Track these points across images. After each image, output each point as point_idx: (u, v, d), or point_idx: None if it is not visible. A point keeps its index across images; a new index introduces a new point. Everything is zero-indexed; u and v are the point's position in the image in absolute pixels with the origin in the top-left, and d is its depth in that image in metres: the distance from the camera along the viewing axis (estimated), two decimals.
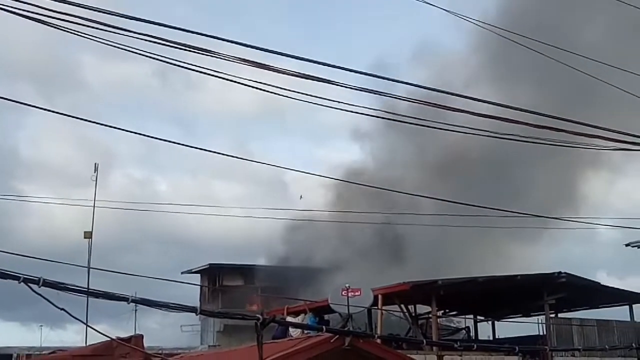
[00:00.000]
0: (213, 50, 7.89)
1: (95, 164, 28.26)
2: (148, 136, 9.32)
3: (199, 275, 36.38)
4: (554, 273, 23.01)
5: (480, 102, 8.73)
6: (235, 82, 8.37)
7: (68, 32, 7.52)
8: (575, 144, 9.45)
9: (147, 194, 49.83)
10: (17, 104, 8.28)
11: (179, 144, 9.55)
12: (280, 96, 8.69)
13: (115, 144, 62.89)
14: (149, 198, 51.63)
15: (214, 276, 36.49)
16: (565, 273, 22.93)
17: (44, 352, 18.72)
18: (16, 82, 49.38)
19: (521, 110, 8.71)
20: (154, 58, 7.93)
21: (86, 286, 7.87)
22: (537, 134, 9.22)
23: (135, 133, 9.22)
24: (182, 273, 35.00)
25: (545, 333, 24.00)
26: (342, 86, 8.53)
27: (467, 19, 13.41)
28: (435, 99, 8.95)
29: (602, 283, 25.97)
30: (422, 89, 9.31)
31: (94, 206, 26.69)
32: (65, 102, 48.35)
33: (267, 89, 8.55)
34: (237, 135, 61.47)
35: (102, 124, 8.90)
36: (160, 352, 15.54)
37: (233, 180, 60.34)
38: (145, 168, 65.09)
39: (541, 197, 33.50)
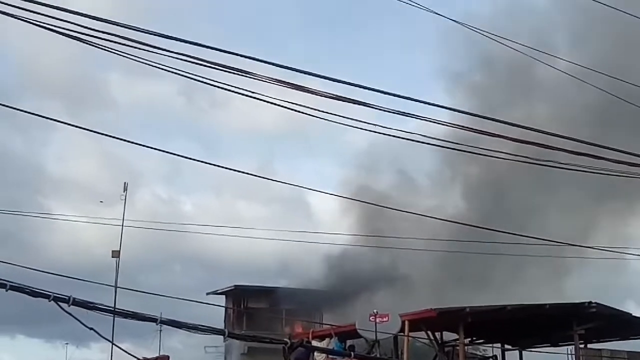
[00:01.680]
0: (239, 68, 7.88)
1: (125, 183, 28.52)
2: (173, 154, 9.36)
3: (223, 296, 36.33)
4: (584, 303, 22.59)
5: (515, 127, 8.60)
6: (261, 100, 8.33)
7: (96, 47, 7.55)
8: (612, 171, 9.28)
9: (172, 213, 50.04)
10: (45, 119, 8.34)
11: (203, 162, 9.58)
12: (309, 115, 8.62)
13: (140, 162, 63.44)
14: (174, 217, 51.80)
15: (239, 298, 36.42)
16: (595, 303, 22.50)
17: None
18: (44, 99, 50.19)
19: (560, 136, 8.57)
20: (180, 75, 7.93)
21: (112, 305, 7.84)
22: (573, 160, 9.06)
23: (161, 150, 9.26)
24: (207, 294, 34.99)
25: None
26: (370, 107, 8.43)
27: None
28: (469, 122, 8.83)
29: (634, 314, 25.44)
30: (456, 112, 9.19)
31: (122, 225, 26.85)
32: (91, 120, 48.99)
33: (294, 108, 8.50)
34: (261, 154, 61.67)
35: (128, 141, 8.95)
36: None
37: (257, 201, 60.43)
38: (170, 187, 65.47)
39: (571, 225, 33.15)
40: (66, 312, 6.75)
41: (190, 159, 9.42)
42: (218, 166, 9.59)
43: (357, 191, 35.94)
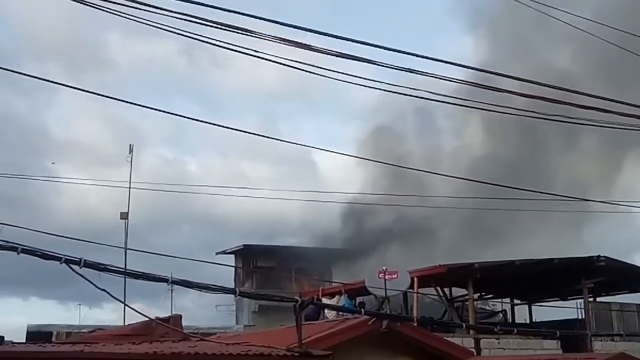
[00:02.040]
0: (240, 26, 7.77)
1: (130, 145, 28.41)
2: (179, 115, 9.28)
3: (233, 256, 36.55)
4: (592, 256, 22.65)
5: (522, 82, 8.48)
6: (263, 58, 8.23)
7: (95, 7, 7.45)
8: (621, 125, 9.18)
9: (177, 174, 50.09)
10: (47, 82, 8.28)
11: (208, 123, 9.49)
12: (311, 74, 8.51)
13: (143, 123, 63.33)
14: (179, 178, 51.83)
15: (248, 257, 36.64)
16: (604, 256, 22.55)
17: (83, 331, 18.93)
18: (44, 61, 49.94)
19: (566, 90, 8.45)
20: (180, 35, 7.84)
21: (123, 266, 7.88)
22: (581, 115, 8.96)
23: (165, 112, 9.19)
24: (216, 254, 35.17)
25: (583, 317, 23.72)
26: (374, 63, 8.31)
27: None
28: (477, 78, 8.70)
29: None
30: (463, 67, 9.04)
31: (129, 187, 26.88)
32: (93, 81, 48.59)
33: (296, 66, 8.39)
34: (265, 114, 61.41)
35: (132, 103, 8.87)
36: (196, 331, 15.61)
37: (262, 160, 60.43)
38: (175, 148, 65.36)
39: (579, 179, 33.07)
40: (78, 274, 6.80)
41: (196, 120, 9.37)
42: (224, 127, 9.53)
43: (375, 139, 36.07)
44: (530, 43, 34.53)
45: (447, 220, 33.43)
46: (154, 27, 7.59)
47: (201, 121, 9.39)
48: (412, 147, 37.05)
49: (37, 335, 21.67)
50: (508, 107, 9.23)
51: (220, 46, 7.93)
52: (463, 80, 8.72)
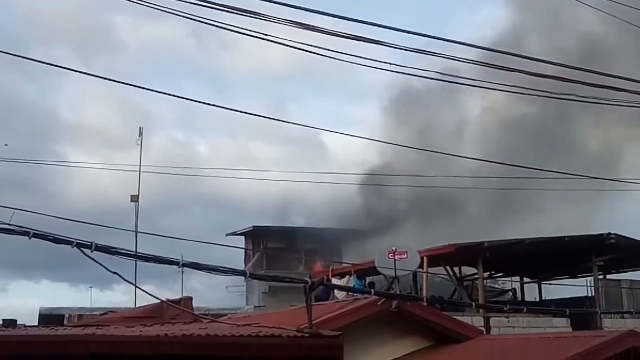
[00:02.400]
0: (248, 9, 7.74)
1: (140, 127, 28.47)
2: (188, 99, 9.31)
3: (242, 237, 36.68)
4: (602, 234, 22.60)
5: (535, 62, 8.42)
6: (270, 41, 8.20)
7: None
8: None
9: (187, 156, 50.15)
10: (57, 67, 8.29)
11: (216, 106, 9.51)
12: (319, 55, 8.46)
13: (152, 106, 63.34)
14: (189, 160, 51.90)
15: (258, 238, 36.77)
16: (614, 234, 22.50)
17: (94, 313, 19.07)
18: (52, 46, 49.92)
19: (577, 68, 8.39)
20: (188, 18, 7.82)
21: (133, 249, 7.92)
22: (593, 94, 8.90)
23: (173, 95, 9.20)
24: (226, 235, 35.34)
25: (592, 295, 23.72)
26: (383, 45, 8.25)
27: None
28: (489, 58, 8.63)
29: None
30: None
31: (139, 170, 26.95)
32: (101, 65, 48.63)
33: (304, 48, 8.36)
34: (273, 96, 61.28)
35: (142, 87, 8.88)
36: (207, 313, 15.68)
37: (270, 142, 60.37)
38: (184, 130, 65.49)
39: (591, 157, 32.90)
40: (89, 257, 6.84)
41: (205, 103, 9.37)
42: (234, 110, 9.53)
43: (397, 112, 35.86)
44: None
45: (469, 197, 33.16)
46: (163, 10, 7.58)
47: (209, 104, 9.41)
48: (434, 119, 36.86)
49: (49, 318, 21.84)
50: (518, 87, 9.19)
51: (229, 29, 7.92)
52: (473, 61, 8.66)
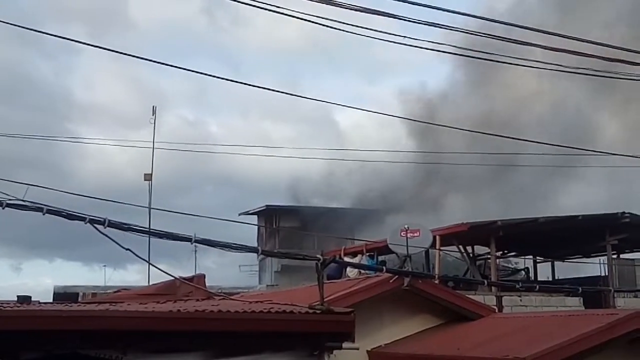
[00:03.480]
0: None
1: (154, 106, 28.51)
2: (202, 73, 9.28)
3: (255, 216, 36.77)
4: (617, 213, 22.50)
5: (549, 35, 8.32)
6: (283, 14, 8.14)
7: None
8: None
9: (199, 135, 50.26)
10: (71, 43, 8.30)
11: (231, 80, 9.49)
12: (331, 29, 8.39)
13: (165, 85, 63.32)
14: (201, 139, 51.94)
15: (271, 217, 36.85)
16: (628, 213, 22.39)
17: (108, 292, 19.21)
18: (65, 23, 49.93)
19: (593, 43, 8.29)
20: None
21: (147, 227, 7.94)
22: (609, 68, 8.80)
23: (189, 70, 9.17)
24: (239, 214, 35.41)
25: (606, 274, 23.66)
26: (395, 17, 8.17)
27: None
28: (503, 32, 8.53)
29: None
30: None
31: (152, 148, 27.02)
32: (114, 42, 48.67)
33: (317, 22, 8.29)
34: (286, 73, 61.21)
35: (156, 62, 8.86)
36: (220, 291, 15.77)
37: (283, 120, 60.38)
38: (196, 108, 65.57)
39: (610, 134, 32.66)
40: (102, 233, 6.86)
41: (221, 78, 9.36)
42: (248, 84, 9.50)
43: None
44: None
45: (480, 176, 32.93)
46: None
47: (223, 78, 9.40)
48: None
49: (63, 296, 22.05)
50: (530, 60, 9.10)
51: (242, 2, 7.86)
52: (484, 34, 8.57)
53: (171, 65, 8.80)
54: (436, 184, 34.62)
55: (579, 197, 31.38)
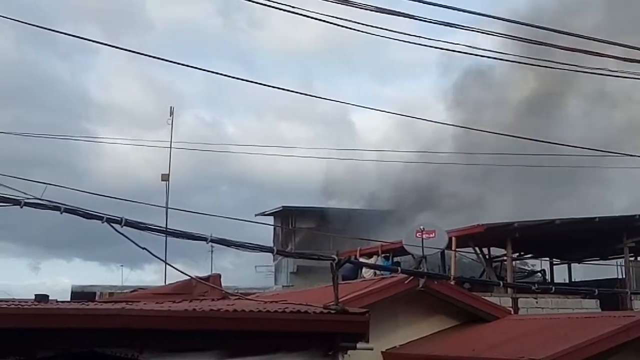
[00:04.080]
0: None
1: (171, 107, 28.56)
2: (219, 73, 9.32)
3: (272, 217, 36.83)
4: (634, 215, 22.35)
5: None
6: (300, 14, 8.16)
7: None
8: None
9: (216, 136, 50.43)
10: (87, 43, 8.37)
11: (247, 81, 9.53)
12: (347, 29, 8.41)
13: (181, 85, 63.51)
14: (218, 139, 52.06)
15: (287, 218, 36.89)
16: None
17: (125, 291, 19.34)
18: (81, 23, 50.24)
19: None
20: None
21: (164, 227, 7.99)
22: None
23: (206, 70, 9.23)
24: (255, 215, 35.48)
25: (623, 276, 23.50)
26: (412, 18, 8.17)
27: None
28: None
29: None
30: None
31: (170, 148, 27.12)
32: (130, 43, 48.85)
33: (333, 22, 8.31)
34: (301, 74, 61.23)
35: (173, 62, 8.90)
36: (236, 291, 15.83)
37: (299, 121, 60.44)
38: (212, 109, 65.71)
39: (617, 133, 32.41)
40: (119, 232, 6.91)
41: (237, 78, 9.40)
42: (262, 84, 9.54)
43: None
44: None
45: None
46: None
47: (239, 79, 9.44)
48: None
49: (80, 295, 22.21)
50: (550, 61, 9.04)
51: (258, 2, 7.89)
52: (500, 34, 8.56)
53: (187, 65, 8.87)
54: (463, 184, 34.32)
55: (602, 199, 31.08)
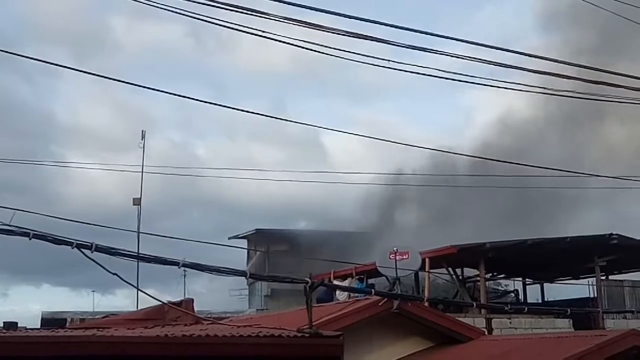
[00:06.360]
0: (247, 6, 7.74)
1: (143, 131, 28.55)
2: (189, 98, 9.25)
3: (245, 240, 36.65)
4: (605, 234, 22.56)
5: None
6: (270, 38, 8.19)
7: None
8: None
9: (187, 158, 50.13)
10: (52, 67, 8.29)
11: (216, 104, 9.51)
12: (318, 53, 8.44)
13: (150, 108, 63.15)
14: (189, 162, 51.75)
15: (261, 241, 36.71)
16: (616, 234, 22.44)
17: (97, 317, 19.07)
18: (47, 45, 49.83)
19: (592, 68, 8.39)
20: (186, 16, 7.81)
21: (136, 251, 7.91)
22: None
23: (176, 95, 9.14)
24: (229, 238, 35.30)
25: (595, 295, 23.67)
26: (382, 42, 8.24)
27: None
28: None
29: None
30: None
31: (142, 172, 26.98)
32: (98, 65, 48.45)
33: (304, 46, 8.35)
34: (272, 96, 61.18)
35: (141, 86, 8.83)
36: (209, 315, 15.68)
37: (270, 143, 60.23)
38: (184, 132, 65.31)
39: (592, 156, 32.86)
40: (89, 258, 6.83)
41: (207, 102, 9.38)
42: (235, 109, 9.54)
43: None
44: None
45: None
46: (160, 8, 7.60)
47: (209, 102, 9.42)
48: None
49: (51, 322, 21.84)
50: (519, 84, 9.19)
51: (227, 26, 7.91)
52: (476, 58, 8.66)
53: (155, 89, 8.81)
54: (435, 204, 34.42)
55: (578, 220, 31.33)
